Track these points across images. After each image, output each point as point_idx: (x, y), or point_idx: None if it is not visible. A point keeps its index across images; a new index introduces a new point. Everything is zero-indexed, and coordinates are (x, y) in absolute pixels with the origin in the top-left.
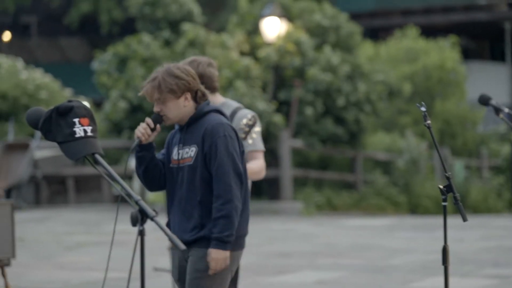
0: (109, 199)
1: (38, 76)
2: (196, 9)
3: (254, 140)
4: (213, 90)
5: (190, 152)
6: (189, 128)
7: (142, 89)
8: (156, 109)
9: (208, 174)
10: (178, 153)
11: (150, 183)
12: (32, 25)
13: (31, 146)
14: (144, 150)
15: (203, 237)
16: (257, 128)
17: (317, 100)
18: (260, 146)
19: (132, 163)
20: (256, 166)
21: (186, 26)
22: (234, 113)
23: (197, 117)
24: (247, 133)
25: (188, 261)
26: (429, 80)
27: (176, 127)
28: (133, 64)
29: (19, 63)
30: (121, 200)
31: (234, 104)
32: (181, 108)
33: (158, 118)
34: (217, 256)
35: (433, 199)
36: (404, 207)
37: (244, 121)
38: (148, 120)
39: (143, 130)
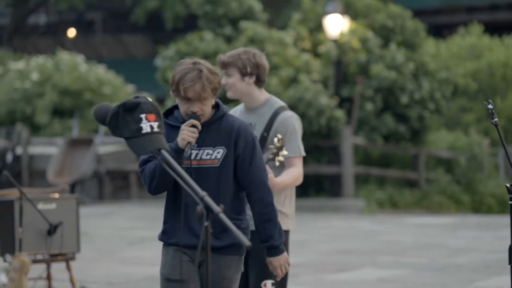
0: None
1: (101, 72)
2: (257, 6)
3: (294, 145)
4: (263, 83)
5: (216, 153)
6: (209, 128)
7: (181, 85)
8: (195, 108)
9: (233, 177)
10: (191, 154)
11: (162, 187)
12: (96, 22)
13: (95, 142)
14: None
15: (233, 244)
16: (299, 131)
17: (377, 96)
18: (302, 151)
19: None
20: (292, 176)
21: (245, 24)
22: (276, 114)
23: (218, 118)
24: (275, 154)
25: (200, 266)
26: (493, 77)
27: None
28: None
29: (79, 58)
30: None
31: (278, 102)
32: (210, 107)
33: (197, 119)
34: (280, 262)
35: (497, 197)
36: (467, 206)
37: (275, 140)
38: (196, 122)
39: (193, 134)
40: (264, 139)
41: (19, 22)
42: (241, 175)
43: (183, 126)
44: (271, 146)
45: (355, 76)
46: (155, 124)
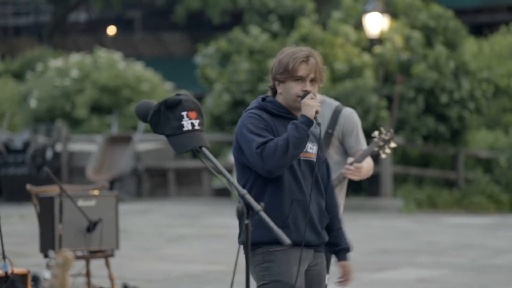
0: (209, 192)
1: (139, 69)
2: (310, 5)
3: (362, 138)
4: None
5: (314, 148)
6: None
7: (291, 64)
8: (308, 87)
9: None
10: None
11: (286, 165)
12: (136, 20)
13: (134, 139)
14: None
15: (325, 242)
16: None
17: (419, 97)
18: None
19: (233, 157)
20: (369, 166)
21: (303, 21)
22: (338, 111)
23: None
24: (381, 147)
25: (318, 263)
26: None
27: (265, 113)
28: (237, 58)
29: (117, 55)
30: (221, 194)
31: (333, 102)
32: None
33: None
34: (351, 268)
35: None
36: (507, 206)
37: (383, 132)
38: (314, 95)
39: (318, 103)
40: (329, 136)
41: (59, 19)
42: (322, 178)
43: (304, 100)
44: (375, 139)
45: (395, 75)
46: (196, 122)
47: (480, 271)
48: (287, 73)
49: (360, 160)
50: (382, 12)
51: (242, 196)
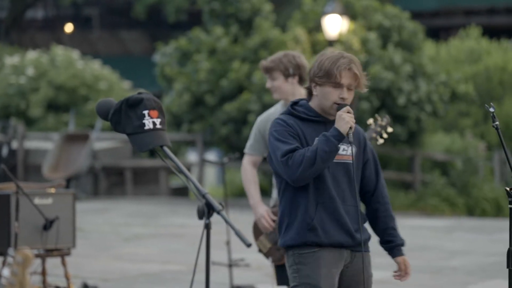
0: (166, 191)
1: (96, 67)
2: (267, 7)
3: None
4: (304, 81)
5: (348, 150)
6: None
7: (335, 70)
8: (346, 95)
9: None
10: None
11: (312, 176)
12: (94, 18)
13: (90, 137)
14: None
15: (367, 239)
16: None
17: (373, 96)
18: None
19: (191, 157)
20: None
21: (261, 23)
22: None
23: None
24: (379, 133)
25: (354, 263)
26: (490, 82)
27: (291, 116)
28: (198, 57)
29: (75, 54)
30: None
31: None
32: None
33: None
34: (408, 262)
35: (491, 201)
36: (462, 209)
37: (379, 118)
38: (351, 109)
39: (353, 119)
40: None
41: (16, 16)
42: (369, 177)
43: (340, 113)
44: (372, 127)
45: None
46: (157, 121)
47: (435, 273)
48: (327, 78)
49: None
50: (341, 14)
51: (203, 196)
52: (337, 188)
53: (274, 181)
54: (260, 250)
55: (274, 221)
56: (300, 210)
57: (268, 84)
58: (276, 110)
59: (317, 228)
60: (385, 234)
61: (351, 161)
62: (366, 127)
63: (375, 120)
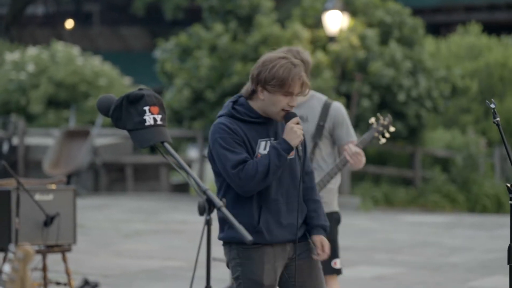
0: (167, 188)
1: (96, 64)
2: (268, 3)
3: (352, 130)
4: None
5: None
6: (278, 122)
7: (290, 81)
8: (295, 103)
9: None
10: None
11: (266, 185)
12: (94, 14)
13: (91, 134)
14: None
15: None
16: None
17: (374, 93)
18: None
19: (192, 153)
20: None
21: (261, 20)
22: (328, 104)
23: None
24: (381, 132)
25: (302, 252)
26: (491, 78)
27: (230, 120)
28: (199, 54)
29: (75, 50)
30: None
31: (322, 96)
32: None
33: (293, 114)
34: (326, 241)
35: (492, 197)
36: (462, 205)
37: (380, 118)
38: (299, 119)
39: (302, 131)
40: (321, 128)
41: (17, 12)
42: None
43: (291, 125)
44: (374, 126)
45: (353, 73)
46: (158, 117)
47: (435, 270)
48: (280, 87)
49: (360, 146)
50: (341, 10)
51: (204, 192)
52: (280, 188)
53: None
54: None
55: None
56: (245, 212)
57: None
58: None
59: (263, 231)
60: (306, 217)
61: (293, 156)
62: (368, 126)
63: (377, 120)
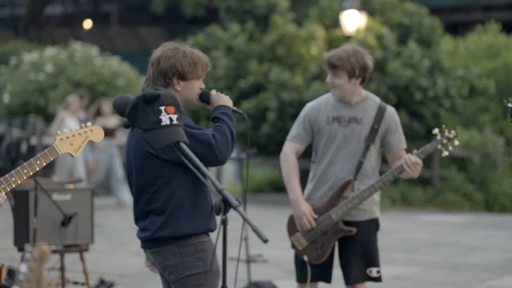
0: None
1: (114, 64)
2: (284, 3)
3: (403, 137)
4: (365, 83)
5: None
6: None
7: (201, 65)
8: (202, 85)
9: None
10: None
11: None
12: (112, 14)
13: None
14: None
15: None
16: None
17: (390, 93)
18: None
19: None
20: None
21: (275, 18)
22: (383, 108)
23: None
24: (445, 145)
25: None
26: (509, 77)
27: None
28: (216, 54)
29: (94, 50)
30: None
31: (376, 97)
32: None
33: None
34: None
35: (511, 197)
36: (481, 204)
37: (445, 131)
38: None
39: None
40: (375, 131)
41: (35, 13)
42: None
43: (214, 93)
44: (438, 138)
45: (371, 73)
46: (174, 117)
47: (453, 269)
48: (195, 72)
49: (421, 156)
50: (359, 10)
51: (220, 192)
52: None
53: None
54: (293, 247)
55: (315, 219)
56: (202, 199)
57: (329, 80)
58: (328, 101)
59: (213, 216)
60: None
61: None
62: (432, 137)
63: (442, 132)
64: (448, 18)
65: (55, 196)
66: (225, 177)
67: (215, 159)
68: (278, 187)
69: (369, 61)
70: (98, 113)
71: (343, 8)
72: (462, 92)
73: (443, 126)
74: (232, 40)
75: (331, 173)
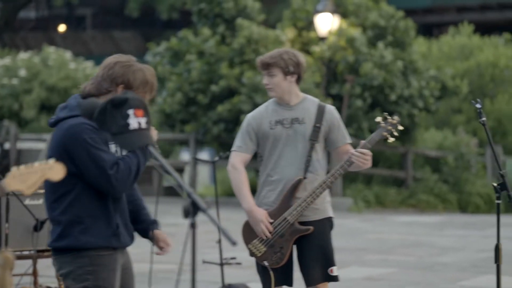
0: (159, 191)
1: (89, 68)
2: (256, 5)
3: (346, 132)
4: (301, 80)
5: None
6: None
7: (154, 87)
8: None
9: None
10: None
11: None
12: (87, 18)
13: None
14: None
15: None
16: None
17: (366, 93)
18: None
19: (184, 156)
20: None
21: (241, 22)
22: (322, 106)
23: None
24: (390, 132)
25: (128, 259)
26: (482, 78)
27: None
28: (190, 58)
29: (67, 54)
30: (172, 193)
31: (314, 98)
32: None
33: None
34: (165, 235)
35: (484, 197)
36: (454, 205)
37: (387, 117)
38: None
39: None
40: (318, 130)
41: (8, 17)
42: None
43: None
44: (382, 125)
45: (344, 74)
46: (142, 120)
47: (427, 269)
48: (143, 90)
49: (368, 146)
50: (332, 12)
51: (188, 195)
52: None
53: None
54: (252, 254)
55: (271, 223)
56: (105, 215)
57: (265, 81)
58: (267, 107)
59: (119, 233)
60: (140, 220)
61: None
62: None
63: (385, 119)
64: (422, 20)
65: (27, 201)
66: (200, 180)
67: (110, 189)
68: (252, 190)
69: (302, 59)
70: None
71: (317, 11)
72: (434, 92)
73: (385, 113)
74: (203, 44)
75: (281, 176)
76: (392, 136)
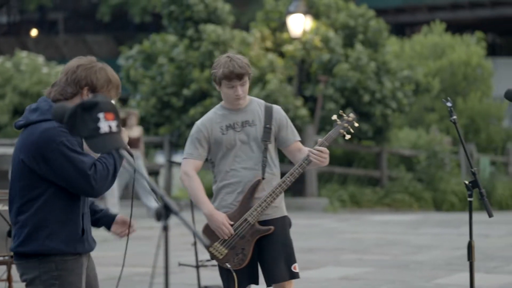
0: (135, 194)
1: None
2: (226, 7)
3: (295, 130)
4: None
5: None
6: None
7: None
8: None
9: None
10: None
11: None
12: (59, 22)
13: None
14: None
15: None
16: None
17: (339, 95)
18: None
19: (159, 158)
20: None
21: (207, 27)
22: (269, 107)
23: None
24: (346, 129)
25: (92, 262)
26: (454, 77)
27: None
28: (162, 61)
29: (40, 59)
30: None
31: (260, 100)
32: None
33: None
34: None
35: (458, 195)
36: (429, 203)
37: (343, 115)
38: None
39: None
40: (268, 130)
41: None
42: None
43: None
44: (338, 122)
45: (318, 75)
46: (113, 124)
47: (402, 268)
48: (107, 89)
49: (326, 143)
50: (304, 13)
51: (161, 198)
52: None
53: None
54: (213, 257)
55: (232, 225)
56: (72, 220)
57: (240, 91)
58: (215, 113)
59: (84, 240)
60: (100, 217)
61: None
62: (331, 123)
63: (340, 116)
64: (394, 19)
65: (2, 207)
66: (176, 183)
67: (89, 190)
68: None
69: (242, 63)
70: (124, 124)
71: (289, 12)
72: (408, 93)
73: (340, 111)
74: (171, 51)
75: (239, 178)
76: (349, 133)
